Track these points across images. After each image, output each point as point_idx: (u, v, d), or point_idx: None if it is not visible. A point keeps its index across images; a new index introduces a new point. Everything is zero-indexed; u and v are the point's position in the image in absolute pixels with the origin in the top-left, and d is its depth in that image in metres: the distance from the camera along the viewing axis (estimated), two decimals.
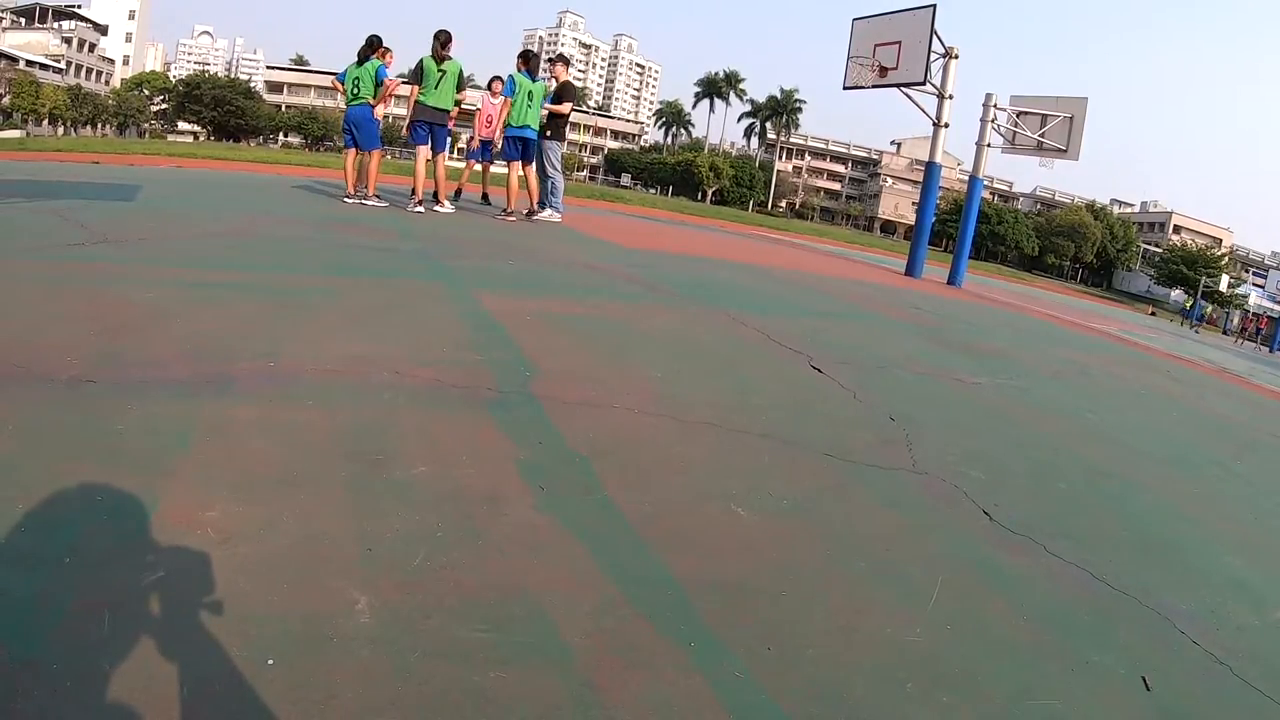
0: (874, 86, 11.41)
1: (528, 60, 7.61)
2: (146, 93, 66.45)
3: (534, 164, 7.97)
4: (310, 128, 66.50)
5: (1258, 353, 20.39)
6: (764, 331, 3.97)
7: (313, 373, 2.30)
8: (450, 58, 7.21)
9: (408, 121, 7.44)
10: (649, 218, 17.30)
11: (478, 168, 10.00)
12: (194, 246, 4.20)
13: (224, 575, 1.28)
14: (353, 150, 7.42)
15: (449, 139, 7.71)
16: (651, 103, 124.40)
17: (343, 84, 7.44)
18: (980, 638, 1.50)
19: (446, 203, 7.87)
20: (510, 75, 7.60)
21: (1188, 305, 35.99)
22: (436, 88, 7.20)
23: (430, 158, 7.56)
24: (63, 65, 62.69)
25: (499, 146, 8.08)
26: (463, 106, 7.93)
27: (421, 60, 7.27)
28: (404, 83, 7.50)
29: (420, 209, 7.36)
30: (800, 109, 72.07)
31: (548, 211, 8.39)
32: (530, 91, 7.49)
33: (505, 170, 7.88)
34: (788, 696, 1.22)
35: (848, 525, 1.90)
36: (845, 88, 11.88)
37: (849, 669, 1.32)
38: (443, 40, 7.14)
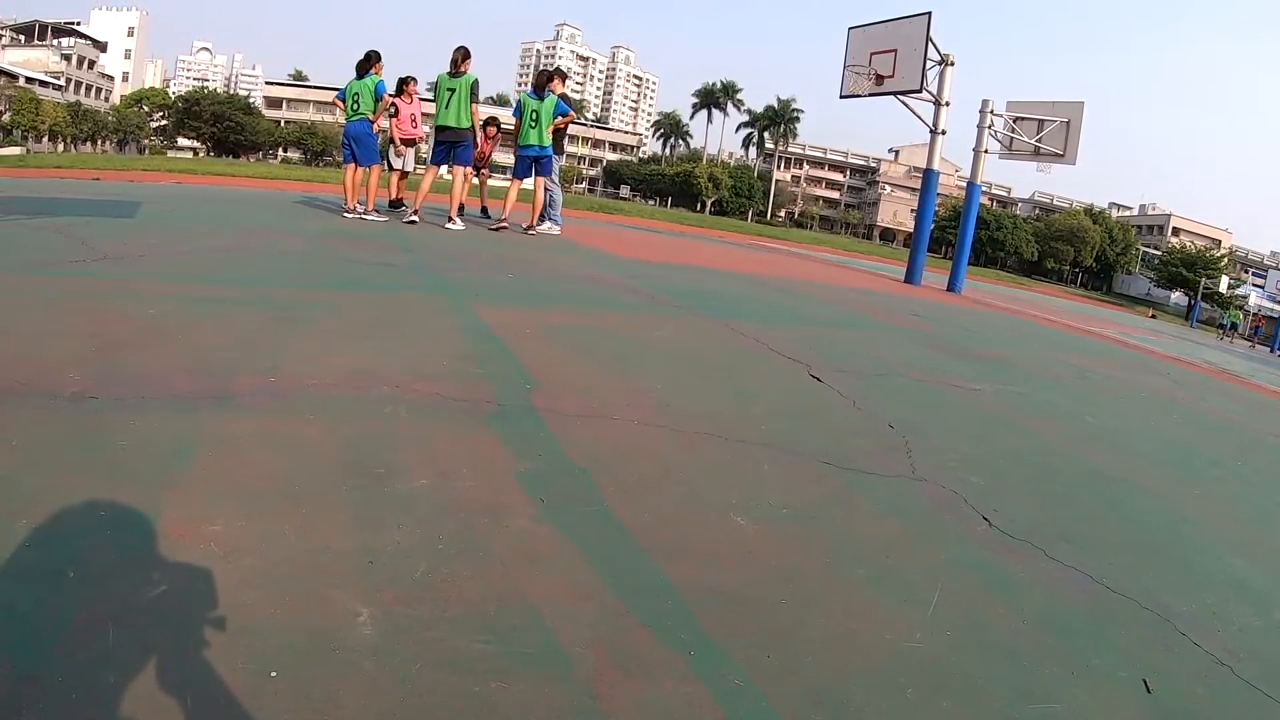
0: (871, 95, 11.49)
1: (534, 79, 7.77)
2: (146, 109, 66.87)
3: (538, 179, 8.08)
4: (310, 143, 66.77)
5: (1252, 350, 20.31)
6: (763, 341, 3.98)
7: (314, 387, 2.31)
8: (463, 74, 7.30)
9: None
10: (648, 229, 17.37)
11: (475, 180, 10.02)
12: (195, 262, 4.23)
13: (227, 588, 1.29)
14: (352, 165, 7.47)
15: (449, 152, 7.78)
16: (649, 114, 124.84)
17: (343, 101, 7.50)
18: (980, 643, 1.50)
19: (458, 219, 7.88)
20: (518, 98, 7.77)
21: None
22: (446, 106, 7.33)
23: (445, 175, 7.87)
24: (62, 82, 63.09)
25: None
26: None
27: (438, 78, 7.50)
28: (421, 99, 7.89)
29: (415, 218, 7.51)
30: (798, 118, 72.26)
31: (546, 224, 8.43)
32: (535, 111, 7.58)
33: (506, 184, 8.04)
34: (788, 703, 1.23)
35: (847, 532, 1.91)
36: (842, 96, 11.95)
37: (849, 675, 1.33)
38: (454, 58, 7.30)
